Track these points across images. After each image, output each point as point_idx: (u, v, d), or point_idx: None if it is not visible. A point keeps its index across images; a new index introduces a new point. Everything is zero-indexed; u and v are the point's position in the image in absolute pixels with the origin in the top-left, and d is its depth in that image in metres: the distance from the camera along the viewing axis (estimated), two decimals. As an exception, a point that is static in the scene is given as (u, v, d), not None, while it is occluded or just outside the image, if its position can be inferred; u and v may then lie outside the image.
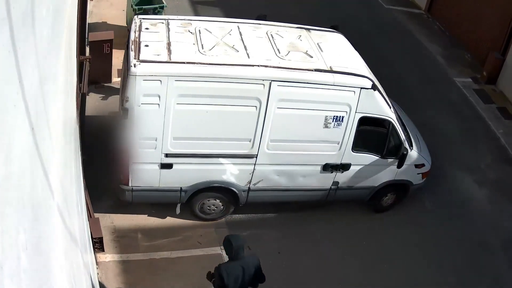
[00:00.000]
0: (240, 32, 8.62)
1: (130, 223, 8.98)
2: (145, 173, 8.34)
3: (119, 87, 11.70)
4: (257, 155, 8.46)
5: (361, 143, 8.78)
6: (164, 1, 12.75)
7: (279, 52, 8.32)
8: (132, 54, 7.72)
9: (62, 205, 4.25)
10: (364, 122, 8.58)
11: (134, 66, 7.51)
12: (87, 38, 11.50)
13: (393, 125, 8.80)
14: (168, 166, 8.31)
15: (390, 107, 8.79)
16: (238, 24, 8.88)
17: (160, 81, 7.57)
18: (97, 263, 8.17)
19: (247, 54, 8.13)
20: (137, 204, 9.11)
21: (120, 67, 11.64)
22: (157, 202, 9.00)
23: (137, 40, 8.04)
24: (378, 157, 9.01)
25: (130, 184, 8.43)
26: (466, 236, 9.86)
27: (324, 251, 9.13)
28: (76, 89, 7.49)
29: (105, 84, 11.81)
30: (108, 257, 8.36)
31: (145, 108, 7.73)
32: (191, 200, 8.91)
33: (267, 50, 8.37)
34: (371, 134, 8.80)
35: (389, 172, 9.29)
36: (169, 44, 8.03)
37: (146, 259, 8.46)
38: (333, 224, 9.62)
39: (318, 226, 9.53)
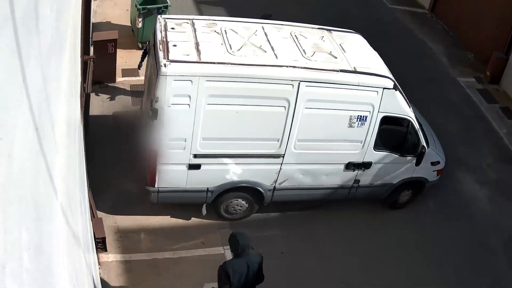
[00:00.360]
0: (265, 33, 8.70)
1: (133, 223, 8.99)
2: (173, 174, 8.36)
3: (123, 87, 11.77)
4: (284, 154, 8.54)
5: (381, 141, 8.93)
6: (168, 1, 12.75)
7: (305, 53, 8.41)
8: (161, 54, 7.72)
9: (65, 204, 4.25)
10: (385, 121, 8.73)
11: (165, 66, 7.50)
12: (91, 37, 11.51)
13: (412, 124, 8.98)
14: (196, 166, 8.33)
15: (409, 107, 8.94)
16: (262, 25, 8.97)
17: (191, 81, 7.58)
18: (99, 263, 8.18)
19: (275, 55, 8.20)
20: (138, 205, 9.14)
21: (124, 67, 11.70)
22: (182, 202, 9.02)
23: (165, 40, 8.05)
24: (397, 155, 9.19)
25: (156, 186, 8.45)
26: (466, 236, 9.85)
27: (325, 251, 9.13)
28: (80, 89, 7.49)
29: (109, 84, 11.81)
30: (110, 257, 8.36)
31: (175, 109, 7.73)
32: (217, 201, 8.94)
33: (293, 50, 8.45)
34: (391, 133, 8.97)
35: (407, 170, 9.46)
36: (197, 44, 8.06)
37: (148, 259, 8.46)
38: (334, 224, 9.62)
39: (319, 226, 9.54)
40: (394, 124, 8.96)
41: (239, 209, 9.16)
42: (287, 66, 7.98)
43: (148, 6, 12.41)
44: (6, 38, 2.33)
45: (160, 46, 7.86)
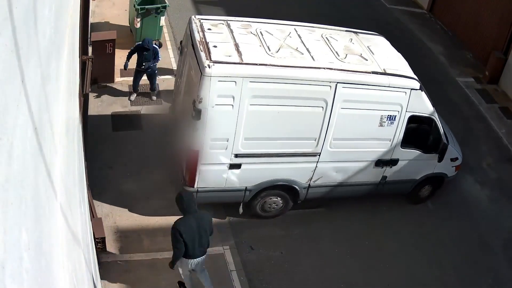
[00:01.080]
0: (299, 35, 8.93)
1: (133, 223, 8.99)
2: (213, 174, 8.50)
3: (121, 87, 11.76)
4: (320, 153, 8.78)
5: (407, 139, 9.27)
6: (166, 1, 12.75)
7: (338, 55, 8.69)
8: (203, 55, 7.84)
9: (65, 204, 4.25)
10: (411, 120, 9.10)
11: (209, 67, 7.63)
12: (90, 38, 11.51)
13: (435, 122, 9.36)
14: (237, 166, 8.51)
15: (433, 106, 9.25)
16: (294, 27, 9.20)
17: (235, 82, 7.73)
18: (99, 263, 8.17)
19: (312, 57, 8.43)
20: (138, 205, 9.14)
21: (122, 67, 11.68)
22: (221, 202, 9.18)
23: (204, 40, 8.16)
24: (421, 152, 9.53)
25: (195, 186, 8.54)
26: (466, 235, 9.86)
27: (325, 250, 9.13)
28: (79, 89, 7.48)
29: (108, 84, 11.81)
30: (110, 257, 8.36)
31: (218, 109, 7.86)
32: (254, 199, 9.09)
33: (327, 53, 8.71)
34: (415, 131, 9.41)
35: (429, 166, 9.84)
36: (236, 45, 8.21)
37: (148, 259, 8.46)
38: (334, 224, 9.63)
39: (319, 226, 9.55)
40: (418, 123, 9.45)
41: (275, 207, 9.35)
42: (324, 68, 8.26)
43: (146, 6, 12.41)
44: (5, 38, 2.32)
45: (200, 47, 7.99)
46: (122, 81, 11.97)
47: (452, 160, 10.07)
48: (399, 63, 9.20)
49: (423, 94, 8.95)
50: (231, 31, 8.53)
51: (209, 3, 15.63)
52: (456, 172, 10.40)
